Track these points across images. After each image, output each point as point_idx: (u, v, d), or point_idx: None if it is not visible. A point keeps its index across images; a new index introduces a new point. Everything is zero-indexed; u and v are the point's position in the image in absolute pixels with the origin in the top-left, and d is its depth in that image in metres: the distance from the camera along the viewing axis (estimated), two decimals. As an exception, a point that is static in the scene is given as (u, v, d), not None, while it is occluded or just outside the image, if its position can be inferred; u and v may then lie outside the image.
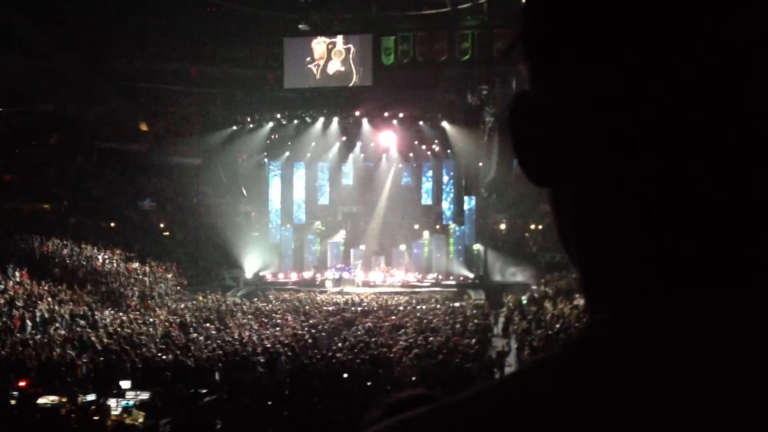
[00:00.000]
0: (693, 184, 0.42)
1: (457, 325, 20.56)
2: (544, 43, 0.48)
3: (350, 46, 32.14)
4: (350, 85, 32.59)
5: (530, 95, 0.50)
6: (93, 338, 18.06)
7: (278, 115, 35.09)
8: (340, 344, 17.45)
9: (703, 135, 0.41)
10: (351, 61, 32.17)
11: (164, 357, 15.42)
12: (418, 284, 33.55)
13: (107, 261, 29.81)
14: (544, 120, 0.49)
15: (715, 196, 0.42)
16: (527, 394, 0.42)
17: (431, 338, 18.02)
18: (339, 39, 32.38)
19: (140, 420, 10.35)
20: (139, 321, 21.79)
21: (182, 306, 26.79)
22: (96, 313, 22.45)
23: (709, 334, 0.40)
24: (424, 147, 36.56)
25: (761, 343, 0.39)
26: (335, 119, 35.39)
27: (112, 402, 10.75)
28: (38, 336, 18.78)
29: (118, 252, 31.10)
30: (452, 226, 36.47)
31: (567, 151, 0.48)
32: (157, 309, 25.32)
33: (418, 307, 26.69)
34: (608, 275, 0.47)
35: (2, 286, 22.60)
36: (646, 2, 0.42)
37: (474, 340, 17.87)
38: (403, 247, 36.54)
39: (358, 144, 37.11)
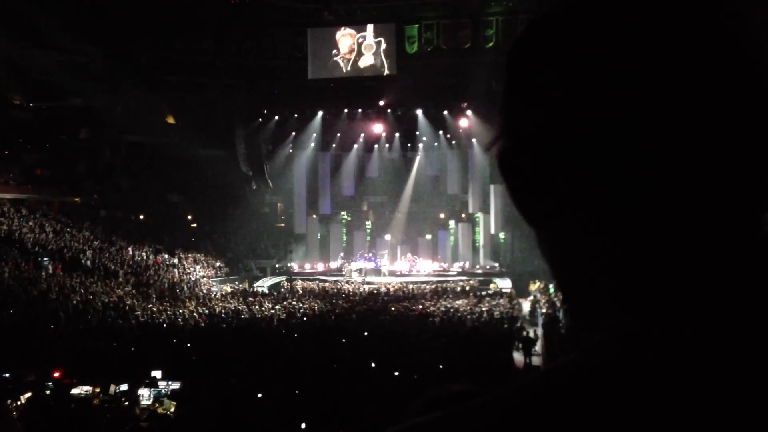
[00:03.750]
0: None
1: (484, 314, 20.55)
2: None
3: (381, 39, 31.97)
4: (384, 74, 32.46)
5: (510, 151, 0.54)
6: (125, 329, 18.38)
7: (303, 107, 35.24)
8: (367, 333, 17.52)
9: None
10: (382, 54, 32.03)
11: (193, 347, 15.63)
12: (445, 273, 33.53)
13: (137, 253, 30.24)
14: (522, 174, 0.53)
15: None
16: (563, 398, 0.44)
17: (458, 327, 18.05)
18: (369, 32, 32.18)
19: (172, 409, 10.49)
20: (168, 312, 22.12)
21: (211, 297, 27.13)
22: (127, 304, 22.81)
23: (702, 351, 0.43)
24: (448, 135, 36.43)
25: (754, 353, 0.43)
26: (359, 110, 35.44)
27: (144, 391, 10.90)
28: (71, 327, 19.11)
29: (147, 244, 31.52)
30: (478, 214, 36.34)
31: (545, 199, 0.52)
32: (187, 300, 25.67)
33: (445, 295, 26.72)
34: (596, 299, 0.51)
35: (35, 278, 23.06)
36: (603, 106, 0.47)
37: (500, 328, 17.86)
38: (428, 236, 36.49)
39: (383, 134, 37.11)
